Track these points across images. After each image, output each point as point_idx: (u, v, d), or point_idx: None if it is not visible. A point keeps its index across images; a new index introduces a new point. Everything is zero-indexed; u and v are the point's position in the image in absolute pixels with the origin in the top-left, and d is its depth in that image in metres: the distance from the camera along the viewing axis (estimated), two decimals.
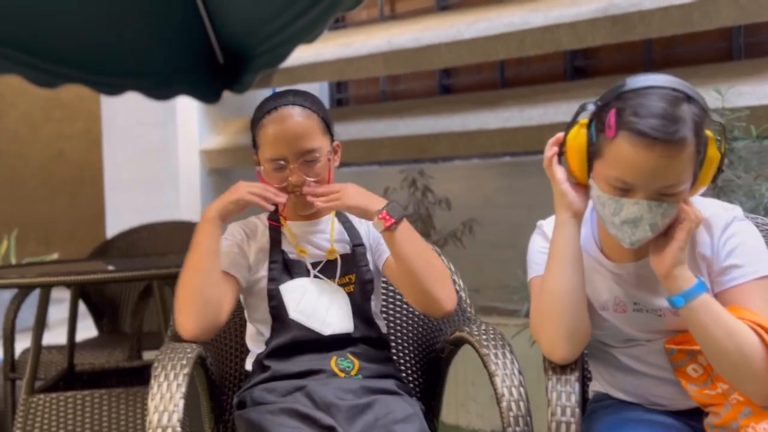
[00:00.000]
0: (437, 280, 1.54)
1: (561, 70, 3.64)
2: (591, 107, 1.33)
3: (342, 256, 1.62)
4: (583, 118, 1.34)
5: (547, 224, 1.48)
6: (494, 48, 3.26)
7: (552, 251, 1.39)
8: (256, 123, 1.61)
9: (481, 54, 3.33)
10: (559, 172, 1.38)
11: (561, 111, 3.12)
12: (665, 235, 1.29)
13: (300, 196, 1.57)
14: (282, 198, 1.56)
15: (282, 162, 1.56)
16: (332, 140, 1.63)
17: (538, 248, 1.47)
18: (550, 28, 3.07)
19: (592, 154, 1.32)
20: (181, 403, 1.30)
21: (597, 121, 1.31)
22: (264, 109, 1.59)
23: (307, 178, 1.56)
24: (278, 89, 4.30)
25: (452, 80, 4.09)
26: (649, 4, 2.84)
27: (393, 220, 1.50)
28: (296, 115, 1.56)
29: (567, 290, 1.35)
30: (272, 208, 1.63)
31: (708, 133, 1.27)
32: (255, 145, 1.63)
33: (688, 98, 1.24)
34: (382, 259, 1.64)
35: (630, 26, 2.89)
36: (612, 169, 1.27)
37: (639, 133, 1.22)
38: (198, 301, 1.48)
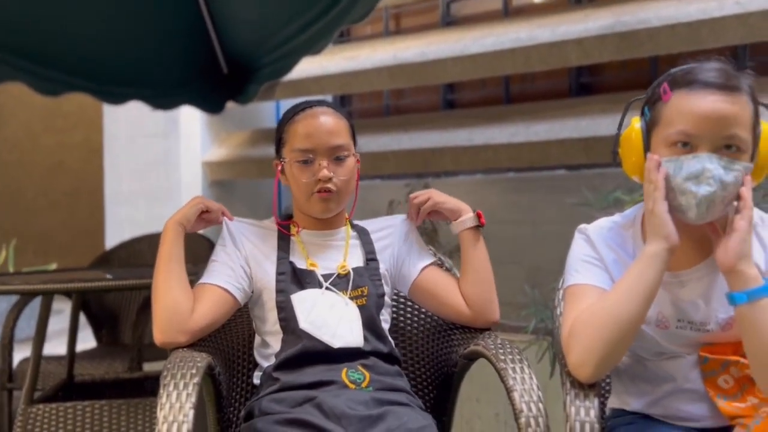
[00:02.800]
0: (494, 288, 1.66)
1: (566, 87, 3.63)
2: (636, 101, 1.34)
3: (355, 269, 1.61)
4: (634, 117, 1.34)
5: (593, 230, 1.41)
6: (501, 63, 3.25)
7: (632, 280, 1.29)
8: (285, 121, 1.62)
9: (487, 69, 3.32)
10: (664, 202, 1.27)
11: (567, 127, 3.10)
12: (730, 230, 1.25)
13: (323, 195, 1.56)
14: (228, 216, 1.63)
15: (311, 155, 1.56)
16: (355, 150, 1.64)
17: (582, 256, 1.39)
18: (557, 43, 3.06)
19: (649, 132, 1.31)
20: (191, 413, 1.26)
21: (648, 103, 1.32)
22: (296, 109, 1.62)
23: (336, 177, 1.56)
24: (282, 102, 4.33)
25: (456, 95, 4.07)
26: (657, 22, 2.83)
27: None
28: (328, 114, 1.60)
29: (631, 322, 1.28)
30: (220, 220, 1.63)
31: (762, 123, 1.29)
32: (280, 144, 1.63)
33: (739, 72, 1.27)
34: (410, 277, 1.66)
35: (638, 43, 2.88)
36: (670, 126, 1.26)
37: (696, 81, 1.24)
38: (159, 306, 1.50)
